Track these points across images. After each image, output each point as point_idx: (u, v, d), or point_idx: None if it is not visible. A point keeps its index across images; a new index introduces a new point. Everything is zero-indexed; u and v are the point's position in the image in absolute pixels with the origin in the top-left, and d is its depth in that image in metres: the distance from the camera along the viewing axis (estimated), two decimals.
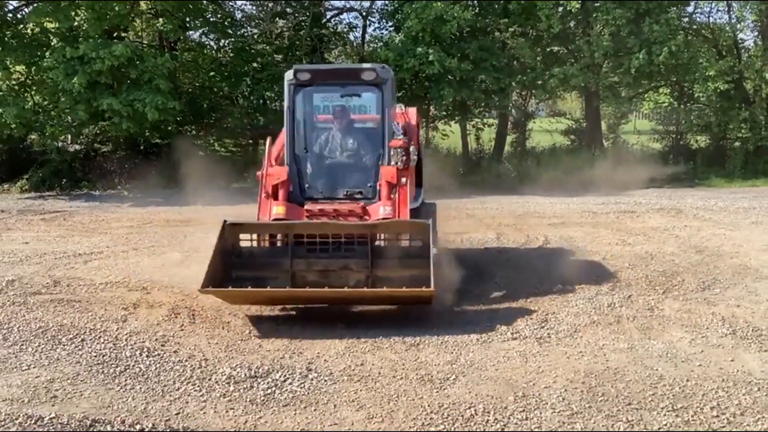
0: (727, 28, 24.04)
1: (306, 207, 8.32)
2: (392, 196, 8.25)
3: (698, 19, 24.85)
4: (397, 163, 8.30)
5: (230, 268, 7.82)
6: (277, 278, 7.76)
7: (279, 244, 8.27)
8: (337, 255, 7.86)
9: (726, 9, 24.37)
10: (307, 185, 8.72)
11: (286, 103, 8.76)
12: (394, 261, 7.87)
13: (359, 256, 7.86)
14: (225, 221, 7.85)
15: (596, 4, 21.88)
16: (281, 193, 8.38)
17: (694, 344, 6.93)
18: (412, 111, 10.43)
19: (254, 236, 8.17)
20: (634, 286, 9.06)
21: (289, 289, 7.65)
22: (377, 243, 8.01)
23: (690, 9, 24.27)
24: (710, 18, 25.20)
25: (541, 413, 5.43)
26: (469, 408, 5.51)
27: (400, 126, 8.75)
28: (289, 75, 8.74)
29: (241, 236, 8.02)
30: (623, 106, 24.51)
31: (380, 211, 8.15)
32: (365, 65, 8.85)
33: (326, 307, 8.12)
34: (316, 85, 8.90)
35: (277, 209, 8.20)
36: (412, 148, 8.41)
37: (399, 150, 8.29)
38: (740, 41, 24.91)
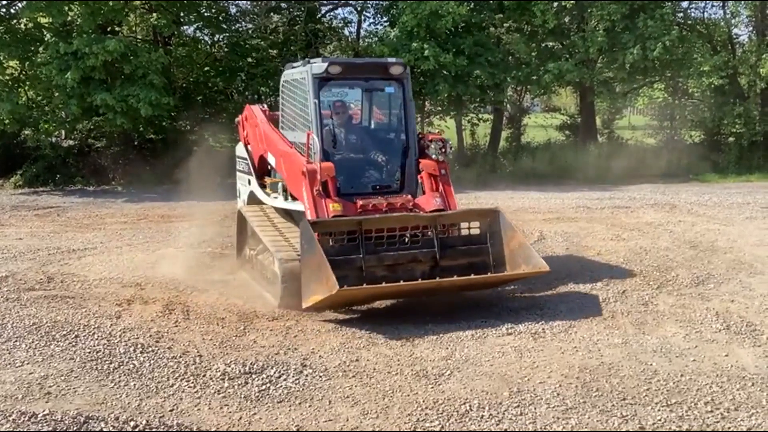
0: (722, 24, 24.08)
1: (359, 203, 8.23)
2: (439, 188, 8.46)
3: (693, 14, 24.96)
4: (438, 156, 8.51)
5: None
6: (349, 276, 7.47)
7: (345, 240, 7.94)
8: (404, 248, 7.96)
9: (720, 4, 24.41)
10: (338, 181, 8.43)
11: (311, 98, 8.48)
12: (457, 250, 8.14)
13: (426, 246, 7.99)
14: (308, 220, 7.59)
15: (591, 0, 21.88)
16: (331, 188, 8.14)
17: (689, 339, 6.95)
18: None
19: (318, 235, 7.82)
20: (629, 282, 9.08)
21: (413, 283, 7.51)
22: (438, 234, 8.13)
23: (684, 4, 24.48)
24: (705, 13, 25.36)
25: (535, 408, 5.44)
26: (464, 403, 5.51)
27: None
28: (316, 68, 8.46)
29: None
30: (618, 102, 24.49)
31: (433, 202, 8.27)
32: (391, 60, 8.99)
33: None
34: (341, 80, 8.87)
35: (334, 206, 7.98)
36: (448, 141, 8.67)
37: (438, 143, 8.53)
38: (735, 36, 25.00)
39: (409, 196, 8.48)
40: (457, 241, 8.32)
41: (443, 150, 8.57)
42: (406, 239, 8.01)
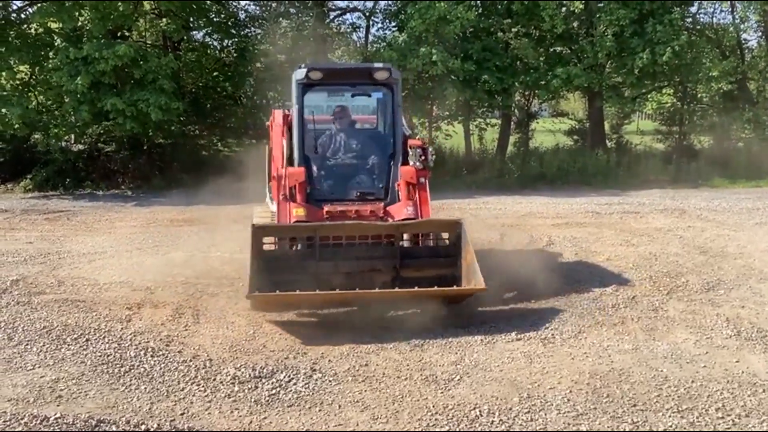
0: (731, 29, 24.01)
1: (326, 209, 8.20)
2: (415, 196, 8.24)
3: (702, 19, 24.88)
4: (416, 163, 8.29)
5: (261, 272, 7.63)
6: (303, 282, 7.41)
7: (300, 246, 8.05)
8: (363, 256, 7.80)
9: (729, 9, 24.35)
10: (317, 187, 8.60)
11: (294, 103, 8.62)
12: (421, 261, 7.89)
13: (386, 256, 7.82)
14: (253, 225, 7.69)
15: (600, 5, 21.85)
16: (299, 195, 8.22)
17: (699, 345, 6.93)
18: None
19: (275, 240, 7.99)
20: (639, 287, 9.06)
21: (338, 292, 7.32)
22: (401, 243, 8.00)
23: (693, 9, 24.27)
24: (714, 18, 25.26)
25: (546, 414, 5.43)
26: (474, 409, 5.51)
27: (408, 127, 8.74)
28: (298, 74, 8.57)
29: (265, 240, 7.82)
30: (626, 107, 24.44)
31: (404, 211, 8.09)
32: (377, 65, 8.77)
33: (333, 308, 8.08)
34: (326, 85, 8.84)
35: (297, 211, 8.04)
36: (429, 148, 8.44)
37: (417, 150, 8.30)
38: (744, 41, 24.93)
39: (381, 204, 8.33)
40: (422, 252, 8.12)
41: (423, 158, 8.35)
42: (367, 248, 7.89)
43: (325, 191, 8.61)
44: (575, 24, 22.75)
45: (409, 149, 8.47)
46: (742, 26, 24.07)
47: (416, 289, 7.36)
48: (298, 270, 7.65)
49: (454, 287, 7.56)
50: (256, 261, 7.29)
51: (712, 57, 22.70)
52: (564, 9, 21.77)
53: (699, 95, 24.76)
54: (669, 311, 8.04)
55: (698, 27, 24.24)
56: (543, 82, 22.08)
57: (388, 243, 7.92)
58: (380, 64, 8.77)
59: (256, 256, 7.36)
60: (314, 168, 8.71)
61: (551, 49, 23.28)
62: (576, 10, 21.66)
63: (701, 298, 8.59)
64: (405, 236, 8.08)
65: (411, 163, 8.34)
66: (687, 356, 6.62)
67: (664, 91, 25.72)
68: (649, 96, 25.36)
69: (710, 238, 12.27)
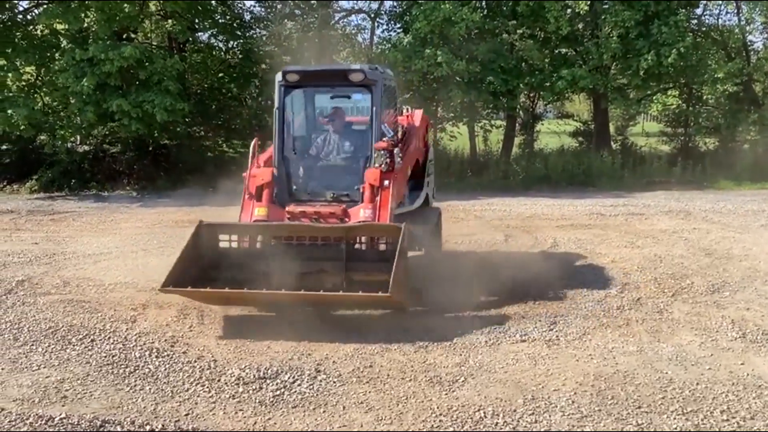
0: (736, 30, 23.91)
1: (287, 209, 8.26)
2: (375, 198, 8.14)
3: (707, 20, 24.76)
4: (380, 165, 8.18)
5: (209, 268, 7.80)
6: (254, 280, 7.43)
7: (258, 245, 8.15)
8: (313, 257, 7.80)
9: (735, 11, 24.29)
10: (294, 187, 8.68)
11: (276, 104, 8.72)
12: (368, 264, 7.78)
13: (334, 259, 7.80)
14: (201, 221, 7.93)
15: (605, 6, 21.81)
16: (265, 195, 8.34)
17: (704, 347, 6.91)
18: (418, 113, 10.36)
19: (234, 237, 8.09)
20: (643, 289, 9.04)
21: (246, 291, 7.28)
22: (357, 246, 7.96)
23: (699, 11, 24.19)
24: (719, 20, 25.11)
25: (550, 416, 5.43)
26: (478, 410, 5.51)
27: (390, 129, 8.58)
28: (279, 76, 8.67)
29: (221, 237, 7.99)
30: (631, 108, 24.41)
31: (360, 213, 8.05)
32: (354, 66, 8.68)
33: (337, 309, 8.09)
34: (307, 87, 8.87)
35: (259, 210, 8.20)
36: (396, 150, 8.25)
37: (383, 152, 8.18)
38: (749, 43, 24.81)
39: (343, 206, 8.28)
40: (370, 256, 8.02)
41: (389, 160, 8.20)
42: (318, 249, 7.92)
43: (304, 192, 8.66)
44: (580, 25, 22.71)
45: (375, 151, 8.38)
46: (747, 28, 23.97)
47: (321, 293, 7.28)
48: (248, 268, 7.71)
49: (360, 293, 7.29)
50: (184, 255, 7.52)
51: (718, 59, 22.63)
52: (569, 10, 21.72)
53: (704, 97, 24.68)
54: (674, 313, 8.03)
55: (704, 28, 24.16)
56: (548, 84, 22.06)
57: (337, 245, 7.85)
58: (357, 66, 8.67)
59: (187, 250, 7.59)
60: (293, 168, 8.73)
61: (556, 51, 23.26)
62: (581, 12, 21.63)
63: (706, 300, 8.58)
64: (362, 239, 8.04)
65: (375, 165, 8.26)
66: (692, 358, 6.61)
67: (669, 92, 25.67)
68: (654, 97, 25.30)
69: (715, 240, 12.24)
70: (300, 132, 9.01)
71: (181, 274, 7.34)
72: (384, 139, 8.34)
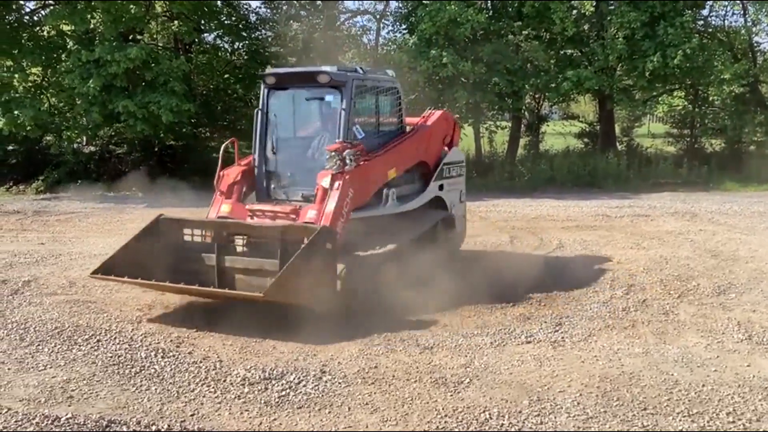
0: (743, 31, 23.88)
1: (247, 206, 8.66)
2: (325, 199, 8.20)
3: (713, 21, 24.75)
4: (331, 167, 8.18)
5: (170, 260, 8.09)
6: (201, 272, 7.90)
7: (209, 240, 8.37)
8: (255, 255, 8.03)
9: (741, 12, 24.22)
10: (273, 186, 8.99)
11: (260, 105, 9.07)
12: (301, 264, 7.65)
13: (270, 257, 7.85)
14: (160, 215, 8.54)
15: (610, 7, 21.80)
16: (235, 192, 8.78)
17: (710, 349, 6.90)
18: (436, 114, 10.35)
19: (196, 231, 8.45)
20: (649, 291, 9.03)
21: (155, 282, 7.68)
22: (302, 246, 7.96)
23: (705, 12, 24.17)
24: (725, 21, 25.10)
25: (555, 418, 5.42)
26: (484, 412, 5.50)
27: (360, 129, 8.65)
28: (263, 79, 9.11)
29: (185, 231, 8.38)
30: (637, 109, 24.37)
31: (307, 214, 8.13)
32: (324, 68, 8.69)
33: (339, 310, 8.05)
34: (287, 88, 9.04)
35: (223, 207, 8.68)
36: (348, 152, 8.15)
37: (334, 154, 8.19)
38: (756, 44, 24.78)
39: (296, 206, 8.41)
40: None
41: (339, 162, 8.14)
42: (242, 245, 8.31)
43: (280, 191, 8.93)
44: (586, 26, 22.72)
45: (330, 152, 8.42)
46: (754, 29, 23.94)
47: (212, 289, 7.71)
48: (197, 261, 8.06)
49: (227, 290, 7.71)
50: (128, 245, 8.09)
51: (724, 60, 22.57)
52: (575, 11, 21.74)
53: (710, 98, 24.64)
54: (680, 315, 8.01)
55: (710, 29, 24.14)
56: (553, 85, 22.05)
57: (274, 243, 7.92)
58: (327, 67, 8.69)
59: (131, 241, 8.15)
60: (272, 168, 8.97)
61: (562, 52, 23.25)
62: (587, 13, 21.63)
63: (712, 301, 8.56)
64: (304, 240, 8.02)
65: (327, 166, 8.27)
66: (698, 360, 6.59)
67: (675, 93, 25.64)
68: (660, 99, 25.28)
69: (721, 242, 12.21)
70: (279, 133, 9.09)
71: (117, 262, 7.87)
72: (355, 141, 8.43)
